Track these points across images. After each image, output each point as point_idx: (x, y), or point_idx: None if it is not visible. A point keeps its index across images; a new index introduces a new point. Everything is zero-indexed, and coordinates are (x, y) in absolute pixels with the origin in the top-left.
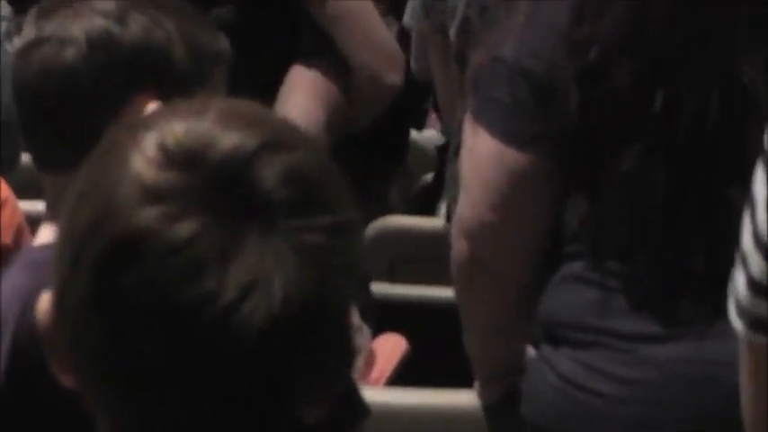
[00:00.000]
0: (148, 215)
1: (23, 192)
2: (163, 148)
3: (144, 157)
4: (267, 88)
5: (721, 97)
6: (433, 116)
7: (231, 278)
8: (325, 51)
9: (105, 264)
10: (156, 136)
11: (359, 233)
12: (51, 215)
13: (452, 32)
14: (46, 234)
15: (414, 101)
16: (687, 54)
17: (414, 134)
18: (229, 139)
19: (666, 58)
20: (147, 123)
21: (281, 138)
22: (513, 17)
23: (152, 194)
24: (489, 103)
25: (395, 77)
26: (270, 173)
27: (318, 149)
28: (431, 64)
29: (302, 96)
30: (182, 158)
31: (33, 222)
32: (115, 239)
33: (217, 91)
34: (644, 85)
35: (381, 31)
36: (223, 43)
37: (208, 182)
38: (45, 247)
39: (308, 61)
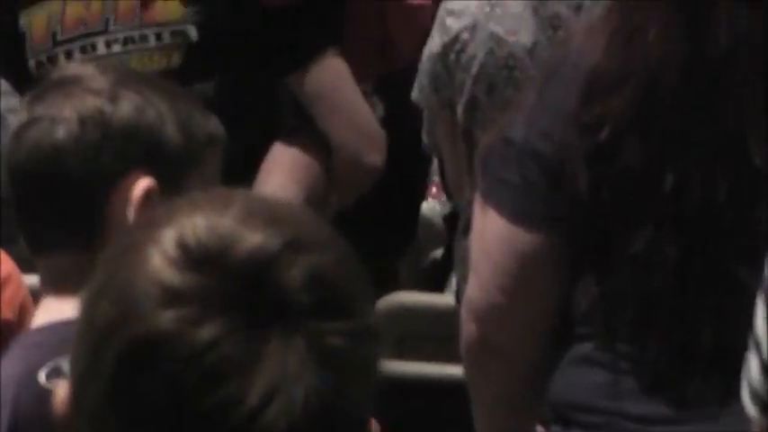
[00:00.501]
0: (168, 318)
1: (25, 265)
2: (182, 247)
3: (163, 256)
4: (248, 165)
5: (730, 177)
6: (433, 188)
7: (254, 384)
8: (308, 128)
9: (125, 363)
10: (176, 233)
11: (378, 336)
12: (46, 293)
13: (459, 110)
14: (42, 315)
15: (424, 176)
16: (696, 133)
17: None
18: (252, 239)
19: (676, 136)
20: (167, 218)
21: (305, 237)
22: (523, 98)
23: (172, 296)
24: (499, 184)
25: (376, 158)
26: (293, 275)
27: (341, 248)
28: (438, 140)
29: (280, 177)
30: (202, 258)
31: (34, 296)
32: (135, 341)
33: (211, 173)
34: (654, 165)
35: (363, 111)
36: (216, 126)
37: (229, 283)
38: (41, 330)
39: (290, 139)
